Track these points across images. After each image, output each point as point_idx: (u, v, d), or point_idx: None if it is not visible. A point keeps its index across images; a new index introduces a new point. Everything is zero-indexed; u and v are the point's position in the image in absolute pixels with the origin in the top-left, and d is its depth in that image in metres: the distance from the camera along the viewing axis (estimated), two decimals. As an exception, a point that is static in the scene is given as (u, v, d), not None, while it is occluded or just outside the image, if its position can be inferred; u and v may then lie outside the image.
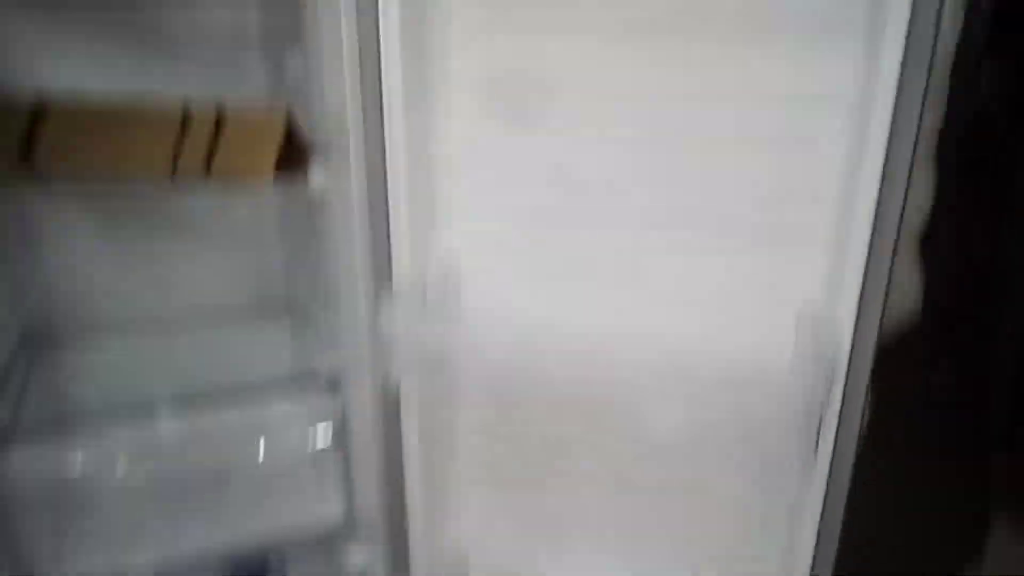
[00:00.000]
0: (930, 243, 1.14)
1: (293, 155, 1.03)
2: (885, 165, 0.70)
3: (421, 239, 0.88)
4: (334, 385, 1.12)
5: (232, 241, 1.31)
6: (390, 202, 0.87)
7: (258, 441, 1.12)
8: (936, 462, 1.40)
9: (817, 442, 0.74)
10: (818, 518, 0.82)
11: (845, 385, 0.76)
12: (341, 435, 1.13)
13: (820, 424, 0.74)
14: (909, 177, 0.72)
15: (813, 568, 0.84)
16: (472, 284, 0.88)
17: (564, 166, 0.82)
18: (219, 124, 0.99)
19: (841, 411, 0.77)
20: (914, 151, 0.71)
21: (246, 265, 1.33)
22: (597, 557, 1.00)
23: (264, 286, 1.34)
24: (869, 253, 0.73)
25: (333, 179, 0.97)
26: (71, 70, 1.11)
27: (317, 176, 0.99)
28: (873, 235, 0.73)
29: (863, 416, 0.79)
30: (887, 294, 0.75)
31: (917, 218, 0.95)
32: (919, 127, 0.70)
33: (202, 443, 1.06)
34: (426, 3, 0.81)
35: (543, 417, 0.93)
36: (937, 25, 0.67)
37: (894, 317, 1.17)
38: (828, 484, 0.80)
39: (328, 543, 1.20)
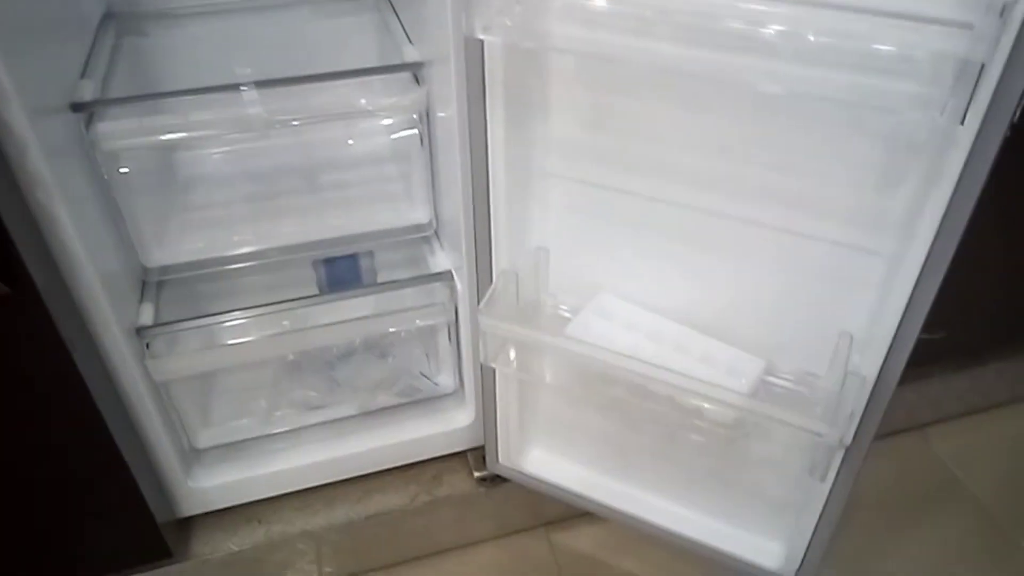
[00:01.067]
0: None
1: None
2: None
3: None
4: (420, 75, 1.04)
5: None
6: None
7: (344, 130, 1.07)
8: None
9: (964, 114, 0.59)
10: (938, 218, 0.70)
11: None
12: (427, 129, 1.06)
13: (970, 98, 0.58)
14: None
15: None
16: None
17: None
18: None
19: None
20: None
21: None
22: (679, 264, 0.93)
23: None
24: None
25: None
26: None
27: None
28: None
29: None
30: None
31: None
32: None
33: (288, 128, 1.02)
34: None
35: (638, 93, 0.81)
36: None
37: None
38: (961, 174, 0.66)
39: (415, 243, 1.20)
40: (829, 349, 0.85)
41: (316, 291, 1.21)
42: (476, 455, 1.25)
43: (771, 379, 0.91)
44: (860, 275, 0.80)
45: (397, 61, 1.06)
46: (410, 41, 1.09)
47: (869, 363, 0.83)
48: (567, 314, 1.01)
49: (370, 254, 1.20)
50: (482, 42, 0.80)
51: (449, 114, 0.95)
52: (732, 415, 0.86)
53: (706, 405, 0.86)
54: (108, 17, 1.15)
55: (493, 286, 0.95)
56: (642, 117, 0.85)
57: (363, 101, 1.02)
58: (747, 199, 0.83)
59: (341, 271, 1.21)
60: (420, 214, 1.16)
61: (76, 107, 0.92)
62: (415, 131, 1.07)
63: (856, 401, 0.83)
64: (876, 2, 0.56)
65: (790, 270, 0.85)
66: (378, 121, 1.06)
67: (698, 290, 0.94)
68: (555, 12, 0.75)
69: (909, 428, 1.39)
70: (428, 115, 1.05)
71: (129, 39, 1.14)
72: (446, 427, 1.24)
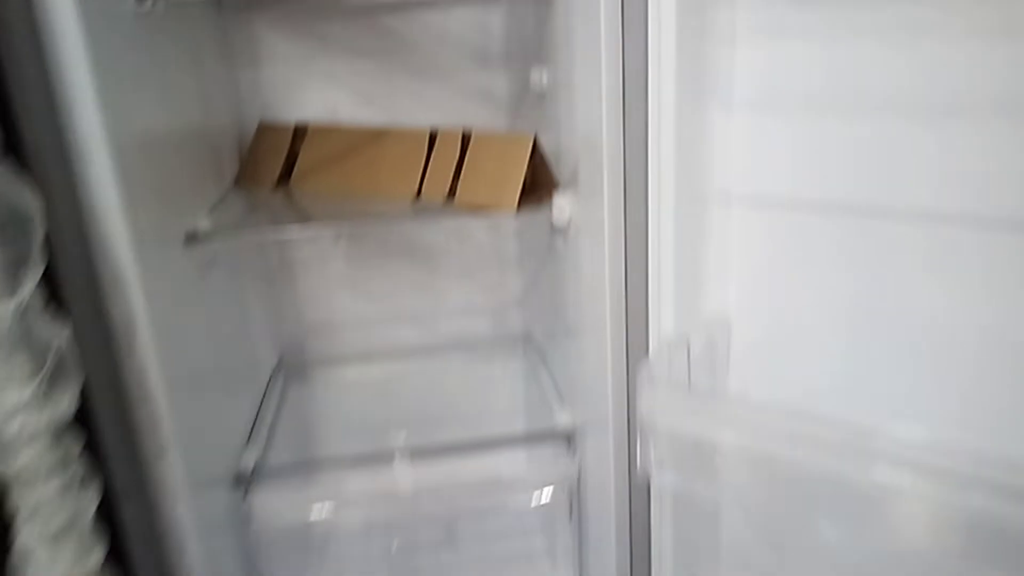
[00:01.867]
0: None
1: (538, 184, 0.96)
2: None
3: (687, 297, 0.72)
4: (570, 442, 1.00)
5: (471, 273, 1.26)
6: (649, 245, 0.72)
7: (488, 496, 1.03)
8: None
9: None
10: None
11: None
12: (575, 501, 1.01)
13: None
14: None
15: None
16: (745, 356, 0.70)
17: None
18: (464, 149, 0.97)
19: None
20: None
21: (484, 299, 1.28)
22: None
23: (501, 323, 1.28)
24: None
25: (582, 212, 0.86)
26: (328, 103, 1.14)
27: (561, 209, 0.90)
28: None
29: None
30: None
31: None
32: None
33: (433, 493, 0.99)
34: (707, 9, 0.66)
35: (816, 529, 0.72)
36: None
37: None
38: None
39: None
40: None
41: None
42: None
43: None
44: None
45: (546, 417, 1.04)
46: (561, 398, 1.07)
47: None
48: None
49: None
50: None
51: (605, 495, 0.89)
52: None
53: None
54: (279, 366, 1.21)
55: None
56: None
57: (511, 472, 0.99)
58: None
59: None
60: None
61: (238, 480, 0.92)
62: (563, 498, 1.01)
63: None
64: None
65: None
66: (523, 485, 1.01)
67: None
68: (728, 462, 0.69)
69: None
70: (579, 482, 1.00)
71: (294, 388, 1.20)
72: None
